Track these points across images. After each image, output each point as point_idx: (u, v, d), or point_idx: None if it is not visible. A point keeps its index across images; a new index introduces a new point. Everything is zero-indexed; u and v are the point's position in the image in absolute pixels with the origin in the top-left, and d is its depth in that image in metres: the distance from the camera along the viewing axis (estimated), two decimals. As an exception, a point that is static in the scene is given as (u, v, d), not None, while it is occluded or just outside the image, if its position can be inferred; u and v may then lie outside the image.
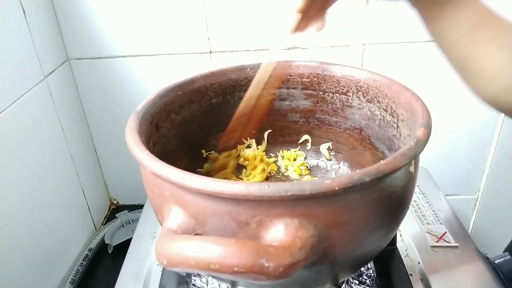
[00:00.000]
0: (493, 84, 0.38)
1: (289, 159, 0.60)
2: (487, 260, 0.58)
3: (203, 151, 0.57)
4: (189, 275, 0.56)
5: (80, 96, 0.77)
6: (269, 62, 0.52)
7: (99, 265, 0.74)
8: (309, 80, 0.56)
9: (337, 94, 0.55)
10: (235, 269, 0.27)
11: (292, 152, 0.60)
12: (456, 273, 0.55)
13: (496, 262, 0.61)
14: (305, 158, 0.60)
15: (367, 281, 0.55)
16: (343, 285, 0.54)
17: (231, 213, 0.32)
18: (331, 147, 0.59)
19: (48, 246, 0.65)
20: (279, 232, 0.31)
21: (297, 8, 0.45)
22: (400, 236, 0.62)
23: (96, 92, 0.76)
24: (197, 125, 0.55)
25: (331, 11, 0.47)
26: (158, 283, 0.56)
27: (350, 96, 0.54)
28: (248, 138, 0.60)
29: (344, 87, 0.54)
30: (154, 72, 0.74)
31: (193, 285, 0.55)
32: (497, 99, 0.38)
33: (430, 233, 0.61)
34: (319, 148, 0.60)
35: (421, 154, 0.37)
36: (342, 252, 0.35)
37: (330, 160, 0.59)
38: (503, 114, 0.77)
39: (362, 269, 0.56)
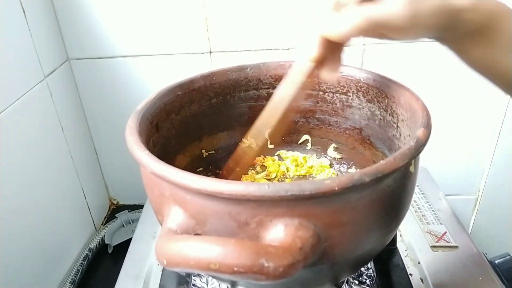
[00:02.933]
0: None
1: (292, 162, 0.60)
2: (487, 260, 0.58)
3: (203, 151, 0.57)
4: (189, 275, 0.56)
5: (80, 96, 0.77)
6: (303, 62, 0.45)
7: (99, 265, 0.74)
8: (309, 80, 0.56)
9: (337, 94, 0.55)
10: (235, 269, 0.27)
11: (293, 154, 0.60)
12: (456, 273, 0.55)
13: (496, 262, 0.61)
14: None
15: (367, 281, 0.55)
16: (343, 285, 0.54)
17: (231, 213, 0.32)
18: (336, 147, 0.59)
19: (48, 246, 0.65)
20: (279, 232, 0.31)
21: (312, 58, 0.41)
22: (400, 236, 0.62)
23: (96, 92, 0.76)
24: (197, 125, 0.55)
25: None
26: (158, 283, 0.56)
27: (350, 96, 0.54)
28: (249, 138, 0.60)
29: (344, 87, 0.54)
30: (154, 72, 0.74)
31: (193, 285, 0.55)
32: None
33: (430, 233, 0.61)
34: (320, 148, 0.60)
35: (421, 154, 0.37)
36: (342, 252, 0.35)
37: (341, 159, 0.59)
38: (504, 114, 0.78)
39: (362, 269, 0.56)
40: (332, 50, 0.41)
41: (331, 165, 0.59)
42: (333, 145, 0.59)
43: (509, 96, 0.76)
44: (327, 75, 0.43)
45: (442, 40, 0.40)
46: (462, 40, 0.39)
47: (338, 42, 0.39)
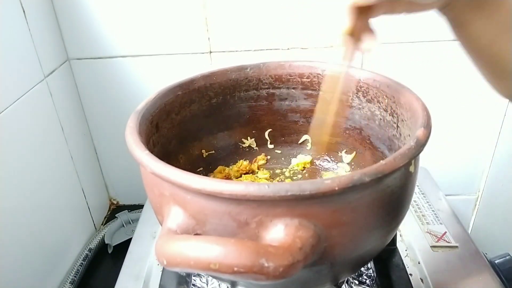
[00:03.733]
0: None
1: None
2: (487, 260, 0.58)
3: (203, 151, 0.57)
4: (189, 275, 0.56)
5: (80, 96, 0.77)
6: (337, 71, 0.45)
7: (99, 265, 0.74)
8: (309, 80, 0.56)
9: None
10: (235, 269, 0.27)
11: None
12: (456, 273, 0.55)
13: (496, 262, 0.61)
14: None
15: (367, 281, 0.55)
16: (343, 285, 0.54)
17: (231, 213, 0.32)
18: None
19: (48, 246, 0.65)
20: (279, 232, 0.31)
21: (344, 30, 0.38)
22: (400, 236, 0.62)
23: (96, 92, 0.76)
24: (197, 125, 0.55)
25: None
26: (158, 283, 0.56)
27: (350, 96, 0.54)
28: (248, 138, 0.60)
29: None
30: (154, 72, 0.74)
31: (193, 285, 0.55)
32: None
33: (430, 233, 0.61)
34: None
35: (421, 154, 0.37)
36: (342, 252, 0.35)
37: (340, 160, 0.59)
38: (504, 114, 0.78)
39: (362, 269, 0.56)
40: (362, 20, 0.39)
41: (331, 165, 0.59)
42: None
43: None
44: (368, 45, 0.40)
45: (446, 10, 0.40)
46: (463, 9, 0.39)
47: (366, 9, 0.38)
